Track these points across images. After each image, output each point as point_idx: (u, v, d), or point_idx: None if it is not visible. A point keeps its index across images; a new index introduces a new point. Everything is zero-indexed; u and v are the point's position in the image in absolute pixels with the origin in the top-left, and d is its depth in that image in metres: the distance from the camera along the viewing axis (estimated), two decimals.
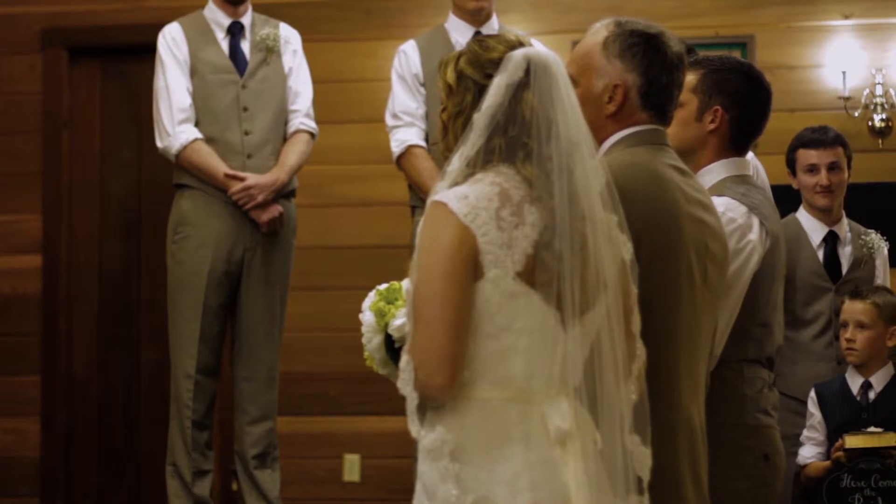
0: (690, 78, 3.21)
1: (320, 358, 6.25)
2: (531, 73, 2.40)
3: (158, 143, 5.03)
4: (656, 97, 2.83)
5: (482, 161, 2.40)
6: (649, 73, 2.81)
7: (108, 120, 6.62)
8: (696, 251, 2.78)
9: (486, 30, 5.12)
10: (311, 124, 5.17)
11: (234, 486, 6.05)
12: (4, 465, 6.42)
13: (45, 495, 6.42)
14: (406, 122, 5.08)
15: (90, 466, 6.52)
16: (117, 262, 6.58)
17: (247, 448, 5.00)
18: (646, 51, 2.82)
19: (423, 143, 5.07)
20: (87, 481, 6.52)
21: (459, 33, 5.11)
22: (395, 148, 5.09)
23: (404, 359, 2.36)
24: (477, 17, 5.14)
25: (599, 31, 2.87)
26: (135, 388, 6.53)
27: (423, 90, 5.10)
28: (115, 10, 6.52)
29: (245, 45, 5.11)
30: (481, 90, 2.42)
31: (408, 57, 5.13)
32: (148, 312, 6.46)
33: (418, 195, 5.05)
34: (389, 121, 5.13)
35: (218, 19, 5.12)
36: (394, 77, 5.15)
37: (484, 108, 2.39)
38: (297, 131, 5.12)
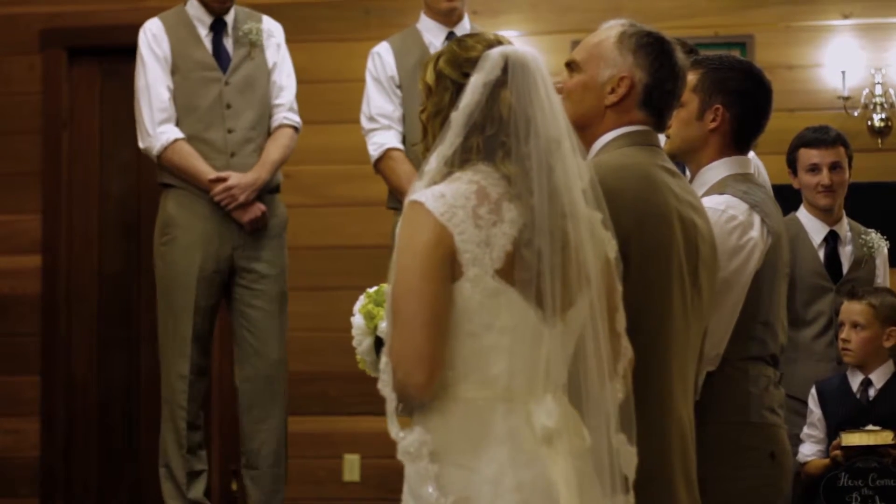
0: (690, 77, 3.22)
1: (320, 358, 6.25)
2: (509, 72, 2.39)
3: (140, 144, 5.02)
4: (658, 100, 2.86)
5: (460, 160, 2.39)
6: (658, 74, 2.85)
7: (107, 120, 6.62)
8: (686, 253, 2.79)
9: (458, 30, 5.09)
10: (295, 118, 5.14)
11: (234, 486, 6.05)
12: (4, 465, 6.43)
13: (45, 495, 6.42)
14: (383, 124, 5.04)
15: (90, 466, 6.52)
16: (117, 262, 6.58)
17: (257, 447, 4.99)
18: (659, 53, 2.85)
19: (400, 146, 5.03)
20: (87, 481, 6.52)
21: (432, 34, 5.10)
22: (373, 151, 5.05)
23: (383, 360, 2.36)
24: (449, 17, 5.11)
25: (615, 26, 2.90)
26: (134, 388, 6.53)
27: (398, 92, 5.06)
28: (115, 10, 6.51)
29: (228, 42, 5.07)
30: (459, 89, 2.42)
31: (382, 59, 5.09)
32: (147, 313, 6.45)
33: (397, 198, 5.03)
34: (365, 124, 5.09)
35: (200, 16, 5.08)
36: (368, 79, 5.11)
37: (461, 106, 2.38)
38: (281, 126, 5.09)
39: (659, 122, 2.89)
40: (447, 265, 2.32)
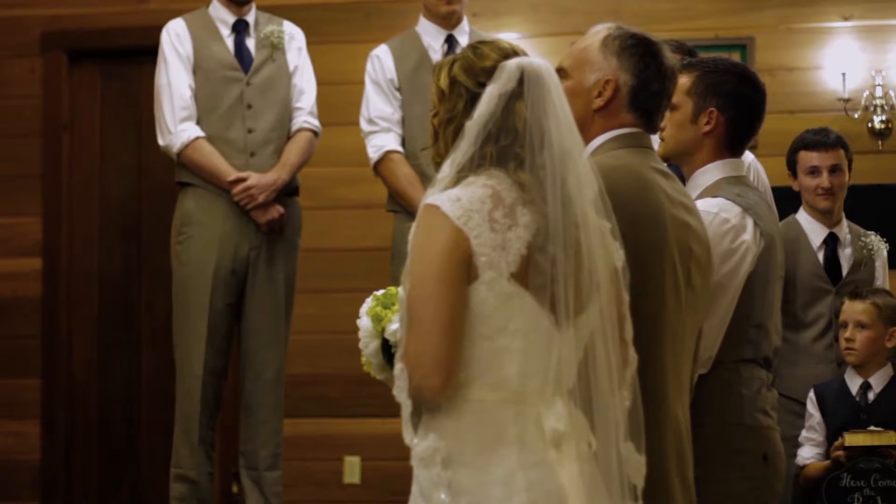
0: (684, 80, 3.23)
1: (321, 360, 6.25)
2: (524, 83, 2.40)
3: (160, 141, 5.02)
4: (645, 101, 2.87)
5: (474, 165, 2.40)
6: (643, 76, 2.85)
7: (108, 123, 6.62)
8: (679, 254, 2.80)
9: (457, 33, 5.11)
10: (315, 122, 5.16)
11: (235, 489, 6.05)
12: (5, 468, 6.43)
13: (46, 498, 6.42)
14: (382, 127, 5.05)
15: (90, 469, 6.52)
16: (117, 264, 6.58)
17: (257, 448, 4.99)
18: (643, 55, 2.86)
19: (399, 149, 5.04)
20: (88, 484, 6.52)
21: (431, 37, 5.11)
22: (373, 154, 5.06)
23: (398, 366, 2.36)
24: (448, 20, 5.11)
25: (600, 30, 2.91)
26: (135, 390, 6.53)
27: (398, 94, 5.07)
28: (115, 12, 6.52)
29: (250, 43, 5.10)
30: (473, 98, 2.43)
31: (381, 62, 5.10)
32: (148, 315, 6.46)
33: (397, 201, 5.04)
34: (365, 126, 5.10)
35: (223, 17, 5.11)
36: (367, 82, 5.12)
37: (476, 116, 2.39)
38: (300, 130, 5.11)
39: (648, 123, 2.90)
40: (463, 268, 2.32)
